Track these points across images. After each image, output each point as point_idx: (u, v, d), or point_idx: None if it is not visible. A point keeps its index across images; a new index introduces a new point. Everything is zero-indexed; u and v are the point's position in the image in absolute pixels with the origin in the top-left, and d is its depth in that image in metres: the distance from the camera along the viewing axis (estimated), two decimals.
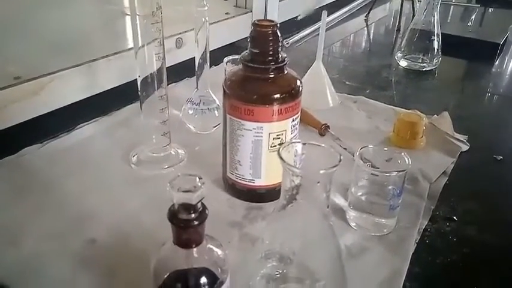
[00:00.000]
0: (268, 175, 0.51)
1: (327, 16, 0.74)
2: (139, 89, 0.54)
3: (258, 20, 0.47)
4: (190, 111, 0.66)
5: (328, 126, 0.68)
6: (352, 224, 0.50)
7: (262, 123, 0.48)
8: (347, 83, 0.88)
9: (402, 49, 0.99)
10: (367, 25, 1.33)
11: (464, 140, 0.67)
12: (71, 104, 0.67)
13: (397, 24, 1.29)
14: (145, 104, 0.55)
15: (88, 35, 0.82)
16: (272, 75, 0.48)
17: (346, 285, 0.36)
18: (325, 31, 0.73)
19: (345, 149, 0.62)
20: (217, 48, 0.87)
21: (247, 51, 0.49)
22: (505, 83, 0.98)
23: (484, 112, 0.84)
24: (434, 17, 0.93)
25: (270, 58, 0.47)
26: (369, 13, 1.36)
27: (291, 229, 0.35)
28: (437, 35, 0.95)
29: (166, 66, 0.54)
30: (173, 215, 0.30)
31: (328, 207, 0.33)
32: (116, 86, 0.73)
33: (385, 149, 0.51)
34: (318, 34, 0.73)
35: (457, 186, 0.58)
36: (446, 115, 0.72)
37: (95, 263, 0.44)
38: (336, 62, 1.05)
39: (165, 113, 0.56)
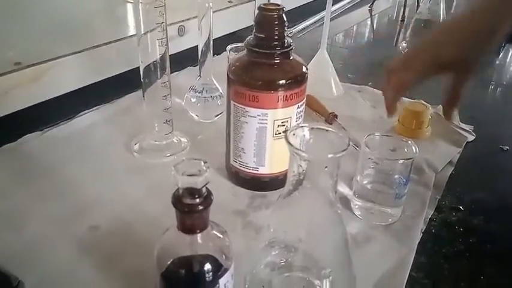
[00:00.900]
0: (273, 163, 0.50)
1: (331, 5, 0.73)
2: (142, 76, 0.54)
3: (264, 4, 0.46)
4: (193, 99, 0.65)
5: (336, 115, 0.67)
6: (357, 213, 0.50)
7: (267, 109, 0.47)
8: (350, 74, 0.87)
9: (407, 39, 0.97)
10: (371, 15, 1.32)
11: (470, 130, 0.67)
12: (73, 91, 0.66)
13: (401, 14, 1.27)
14: (148, 91, 0.54)
15: (89, 21, 0.81)
16: (277, 61, 0.47)
17: (352, 274, 0.35)
18: (329, 21, 0.72)
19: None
20: (220, 37, 0.86)
21: (252, 36, 0.48)
22: (510, 74, 0.97)
23: (490, 102, 0.83)
24: (440, 6, 0.92)
25: (276, 43, 0.46)
26: (372, 3, 1.35)
27: (297, 216, 0.34)
28: None
29: (169, 54, 0.53)
30: (177, 200, 0.29)
31: (336, 193, 0.32)
32: (117, 73, 0.72)
33: (391, 135, 0.50)
34: (321, 24, 0.72)
35: (463, 176, 0.58)
36: None
37: (97, 249, 0.43)
38: (340, 52, 1.04)
39: (168, 100, 0.56)
